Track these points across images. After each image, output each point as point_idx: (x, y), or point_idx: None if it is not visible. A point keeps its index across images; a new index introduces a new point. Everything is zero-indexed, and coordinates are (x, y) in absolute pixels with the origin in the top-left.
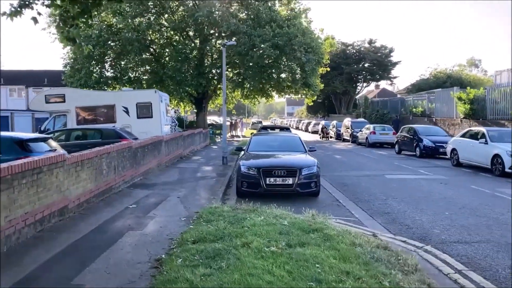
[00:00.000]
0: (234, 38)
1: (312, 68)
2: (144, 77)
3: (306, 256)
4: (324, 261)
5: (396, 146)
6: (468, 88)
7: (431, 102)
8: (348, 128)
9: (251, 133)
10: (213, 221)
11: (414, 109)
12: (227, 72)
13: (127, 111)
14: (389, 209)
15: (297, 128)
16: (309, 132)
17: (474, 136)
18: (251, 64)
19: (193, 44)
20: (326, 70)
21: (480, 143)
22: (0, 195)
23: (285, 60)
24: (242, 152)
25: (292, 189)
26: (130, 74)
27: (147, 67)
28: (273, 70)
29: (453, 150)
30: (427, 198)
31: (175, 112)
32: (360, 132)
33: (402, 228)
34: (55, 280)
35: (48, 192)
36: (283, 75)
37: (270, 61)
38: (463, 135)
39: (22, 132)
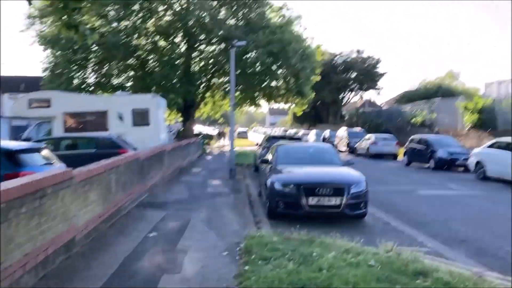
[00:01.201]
0: (225, 44)
1: (307, 76)
2: (129, 84)
3: None
4: None
5: (405, 157)
6: (476, 97)
7: (431, 112)
8: (344, 138)
9: (258, 143)
10: (271, 258)
11: (413, 120)
12: (216, 79)
13: (121, 118)
14: (460, 234)
15: (283, 138)
16: None
17: (506, 147)
18: (245, 71)
19: (180, 50)
20: (317, 79)
21: None
22: None
23: (279, 67)
24: (267, 166)
25: (340, 211)
26: (114, 81)
27: (132, 73)
28: (267, 78)
29: (478, 163)
30: (490, 219)
31: (176, 122)
32: (359, 143)
33: (498, 262)
34: None
35: (52, 222)
36: (275, 83)
37: (263, 68)
38: (490, 146)
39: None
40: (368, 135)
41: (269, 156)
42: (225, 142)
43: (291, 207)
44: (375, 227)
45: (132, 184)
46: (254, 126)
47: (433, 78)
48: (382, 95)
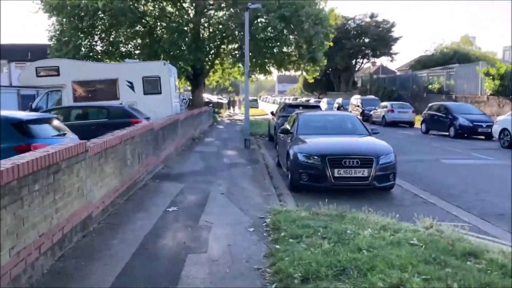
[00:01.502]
0: (237, 9)
1: (321, 42)
2: (137, 52)
3: None
4: None
5: (423, 125)
6: (498, 62)
7: (450, 78)
8: (358, 106)
9: (273, 112)
10: (302, 236)
11: (430, 86)
12: (225, 46)
13: (131, 87)
14: (496, 208)
15: None
16: None
17: None
18: (255, 36)
19: (188, 17)
20: (330, 44)
21: None
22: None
23: (291, 33)
24: (287, 136)
25: (367, 183)
26: (122, 48)
27: (140, 41)
28: (278, 44)
29: (504, 130)
30: None
31: (185, 90)
32: (374, 110)
33: None
34: None
35: (68, 199)
36: (286, 49)
37: (275, 34)
38: None
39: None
40: (383, 103)
41: (288, 126)
42: (235, 111)
43: (315, 179)
44: (405, 200)
45: (148, 155)
46: (263, 95)
47: (449, 43)
48: (397, 60)
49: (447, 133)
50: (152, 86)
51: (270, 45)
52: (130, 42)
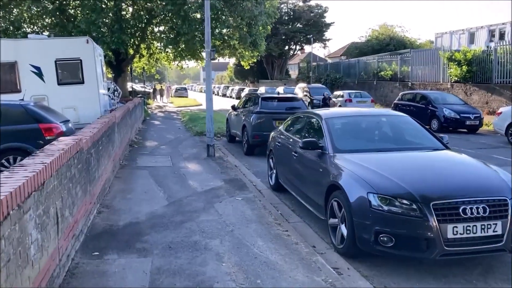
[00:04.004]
0: None
1: (264, 23)
2: (46, 34)
3: None
4: None
5: None
6: (464, 46)
7: (403, 64)
8: (305, 95)
9: (232, 106)
10: None
11: (382, 73)
12: (156, 28)
13: (39, 73)
14: None
15: (224, 95)
16: None
17: None
18: (188, 16)
19: None
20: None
21: None
22: None
23: (231, 13)
24: (312, 152)
25: (501, 246)
26: (27, 29)
27: (49, 20)
28: (217, 25)
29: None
30: None
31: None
32: (331, 100)
33: None
34: None
35: None
36: (226, 32)
37: (213, 14)
38: None
39: None
40: (338, 92)
41: (295, 136)
42: (163, 101)
43: (409, 244)
44: None
45: (74, 207)
46: (188, 83)
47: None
48: (329, 47)
49: (427, 126)
50: (70, 72)
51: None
52: (37, 21)
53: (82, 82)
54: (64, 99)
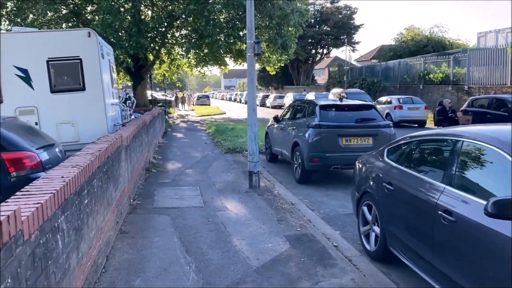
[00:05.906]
0: None
1: (297, 23)
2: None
3: None
4: None
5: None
6: None
7: (457, 65)
8: None
9: (274, 117)
10: None
11: (430, 76)
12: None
13: (26, 78)
14: None
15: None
16: (269, 107)
17: None
18: (210, 18)
19: None
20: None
21: None
22: None
23: (259, 12)
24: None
25: None
26: None
27: (65, 25)
28: (243, 26)
29: None
30: None
31: (123, 87)
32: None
33: None
34: None
35: None
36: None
37: (238, 14)
38: None
39: None
40: (384, 98)
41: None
42: (185, 109)
43: None
44: None
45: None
46: (208, 91)
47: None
48: (358, 50)
49: None
50: (67, 76)
51: (230, 29)
52: (51, 25)
53: (83, 89)
54: (59, 112)
